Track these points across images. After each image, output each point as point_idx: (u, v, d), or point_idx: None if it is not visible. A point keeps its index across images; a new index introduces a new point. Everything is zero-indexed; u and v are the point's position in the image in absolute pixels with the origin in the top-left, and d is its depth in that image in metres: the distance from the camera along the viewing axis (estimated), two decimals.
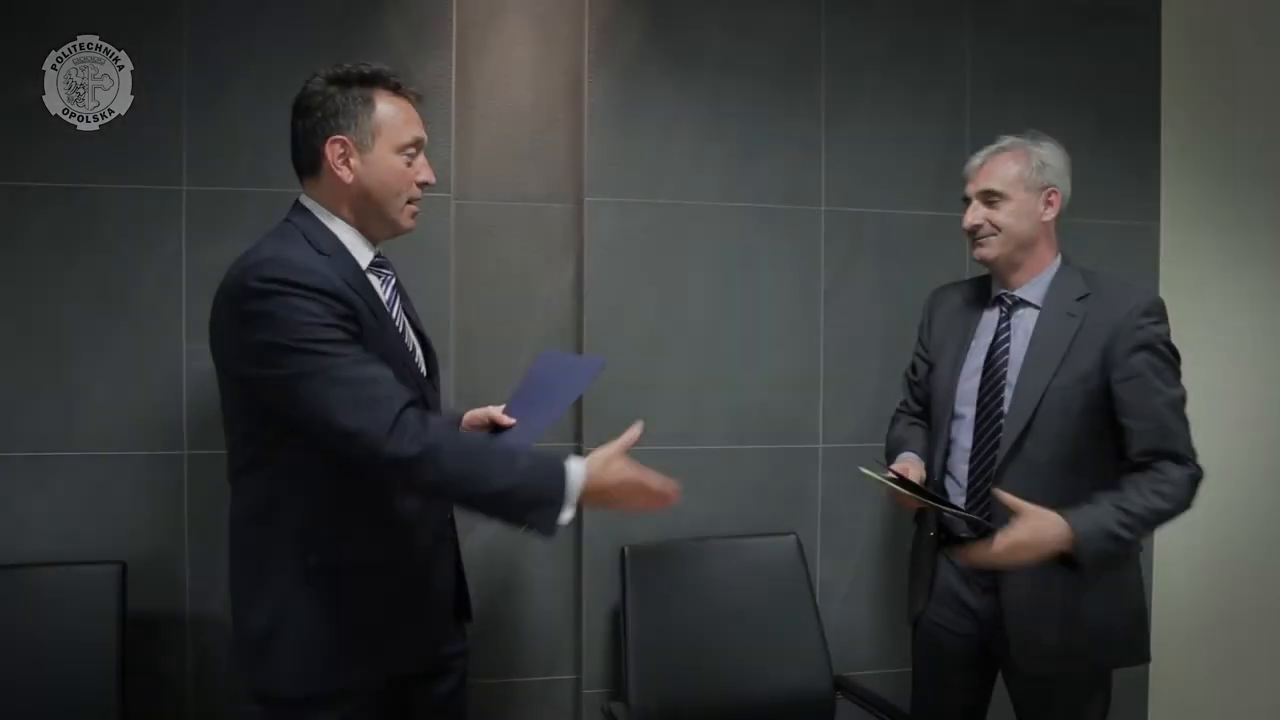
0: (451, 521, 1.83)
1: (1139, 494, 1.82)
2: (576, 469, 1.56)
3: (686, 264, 2.53)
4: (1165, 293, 2.75)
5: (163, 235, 2.30)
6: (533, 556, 2.51)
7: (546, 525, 1.53)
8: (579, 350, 2.50)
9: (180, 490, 2.32)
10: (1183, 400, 1.89)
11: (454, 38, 2.41)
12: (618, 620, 2.42)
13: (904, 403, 2.26)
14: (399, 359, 1.65)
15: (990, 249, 1.98)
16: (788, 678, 2.38)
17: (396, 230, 1.71)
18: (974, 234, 1.99)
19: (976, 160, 2.01)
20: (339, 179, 1.63)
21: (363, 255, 1.68)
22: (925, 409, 2.18)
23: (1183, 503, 1.85)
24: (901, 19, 2.62)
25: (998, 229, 1.96)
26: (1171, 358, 1.91)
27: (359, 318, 1.57)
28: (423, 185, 1.71)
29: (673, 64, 2.51)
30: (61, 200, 2.26)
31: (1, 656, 2.07)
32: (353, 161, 1.63)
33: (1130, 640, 1.99)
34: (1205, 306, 2.80)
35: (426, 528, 1.73)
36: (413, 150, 1.68)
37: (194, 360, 2.31)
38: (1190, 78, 2.77)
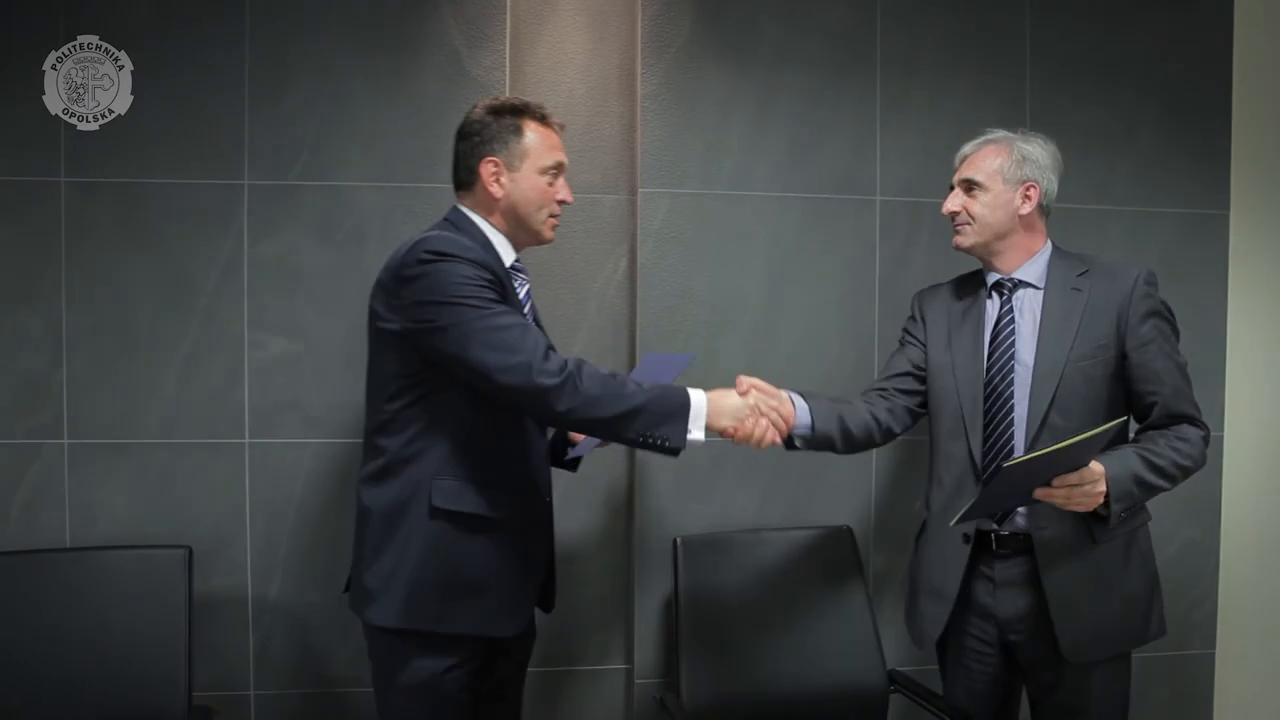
0: (550, 505, 1.99)
1: (1159, 446, 1.91)
2: (698, 392, 1.84)
3: (740, 255, 2.52)
4: (1235, 282, 2.70)
5: (225, 228, 2.36)
6: (586, 547, 2.52)
7: (678, 437, 1.79)
8: (632, 342, 2.51)
9: (242, 477, 2.38)
10: (1186, 364, 1.98)
11: (508, 31, 2.43)
12: (670, 611, 2.43)
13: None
14: None
15: (966, 238, 2.05)
16: (840, 670, 2.36)
17: (538, 239, 1.97)
18: (952, 220, 2.07)
19: (966, 149, 2.08)
20: (491, 193, 1.89)
21: (506, 256, 1.92)
22: (897, 387, 2.16)
23: (1198, 460, 1.94)
24: (959, 3, 2.57)
25: (973, 218, 2.03)
26: (1174, 324, 1.99)
27: (506, 291, 1.82)
28: (561, 203, 1.96)
29: (726, 54, 2.49)
30: (128, 194, 2.33)
31: (75, 635, 2.15)
32: (503, 179, 1.89)
33: (1150, 613, 2.02)
34: (1276, 295, 2.72)
35: (539, 500, 1.94)
36: (554, 172, 1.93)
37: (256, 350, 2.37)
38: (1264, 59, 2.68)
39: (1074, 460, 1.76)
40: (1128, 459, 1.86)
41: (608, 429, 1.80)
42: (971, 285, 2.12)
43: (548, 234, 1.96)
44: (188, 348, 2.36)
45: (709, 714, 2.23)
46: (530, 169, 1.89)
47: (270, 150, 2.37)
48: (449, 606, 1.80)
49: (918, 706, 2.29)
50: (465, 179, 1.93)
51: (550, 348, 1.78)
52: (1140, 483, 1.86)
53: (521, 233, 1.94)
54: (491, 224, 1.92)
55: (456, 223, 1.90)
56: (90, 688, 2.13)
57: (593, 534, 2.54)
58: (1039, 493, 1.79)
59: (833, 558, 2.46)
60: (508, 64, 2.43)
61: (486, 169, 1.88)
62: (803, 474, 2.54)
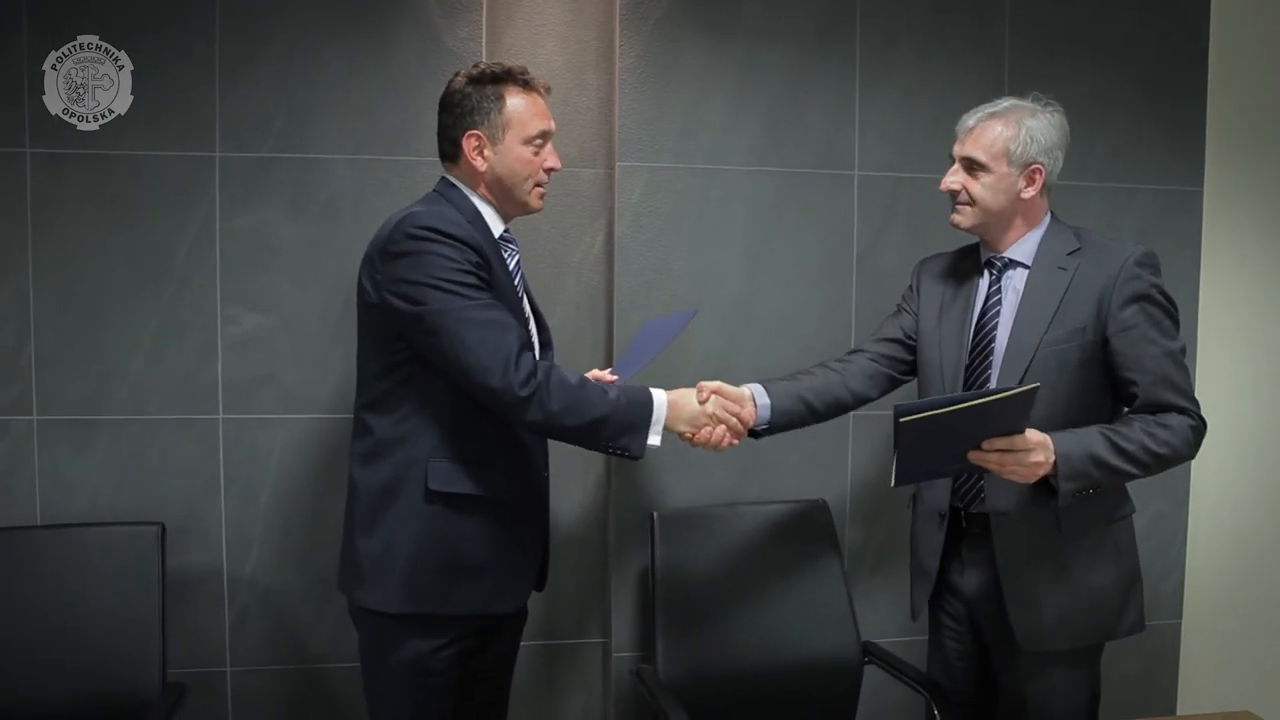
0: (546, 481, 1.98)
1: (1132, 429, 1.82)
2: (660, 397, 1.86)
3: (718, 229, 2.51)
4: (1208, 259, 2.73)
5: (197, 200, 2.32)
6: (564, 522, 2.52)
7: (638, 447, 1.82)
8: (610, 316, 2.50)
9: (216, 453, 2.36)
10: (1182, 351, 1.88)
11: (484, 1, 2.39)
12: (647, 585, 2.44)
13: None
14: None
15: (964, 218, 1.96)
16: (815, 643, 2.39)
17: (526, 209, 1.94)
18: (952, 198, 1.97)
19: (969, 120, 1.95)
20: (475, 167, 1.86)
21: (495, 228, 1.90)
22: (882, 352, 2.15)
23: (1179, 450, 1.84)
24: None
25: (973, 199, 1.93)
26: (1169, 308, 1.89)
27: (491, 270, 1.79)
28: (549, 171, 1.92)
29: (706, 27, 2.47)
30: (97, 167, 2.28)
31: (47, 614, 2.13)
32: (486, 152, 1.86)
33: (1124, 609, 1.95)
34: (1249, 273, 2.75)
35: (534, 477, 1.93)
36: (540, 141, 1.88)
37: (229, 325, 2.34)
38: (1240, 37, 2.70)
39: (996, 423, 1.70)
40: (1088, 437, 1.79)
41: (571, 439, 1.84)
42: (969, 260, 2.07)
43: (536, 204, 1.93)
44: (159, 323, 2.33)
45: (685, 687, 2.25)
46: (514, 140, 1.85)
47: (242, 122, 2.32)
48: (449, 589, 1.80)
49: (891, 678, 2.32)
50: (449, 152, 1.89)
51: (525, 347, 1.77)
52: (1099, 463, 1.78)
53: (509, 204, 1.91)
54: (479, 195, 1.89)
55: (445, 194, 1.88)
56: (63, 666, 2.11)
57: (570, 509, 2.54)
58: (972, 455, 1.73)
59: (808, 532, 2.48)
60: (484, 35, 2.39)
61: (469, 143, 1.85)
62: (779, 449, 2.53)
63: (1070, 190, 2.58)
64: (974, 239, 2.06)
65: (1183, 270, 2.69)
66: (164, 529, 2.22)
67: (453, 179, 1.90)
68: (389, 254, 1.75)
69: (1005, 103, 1.95)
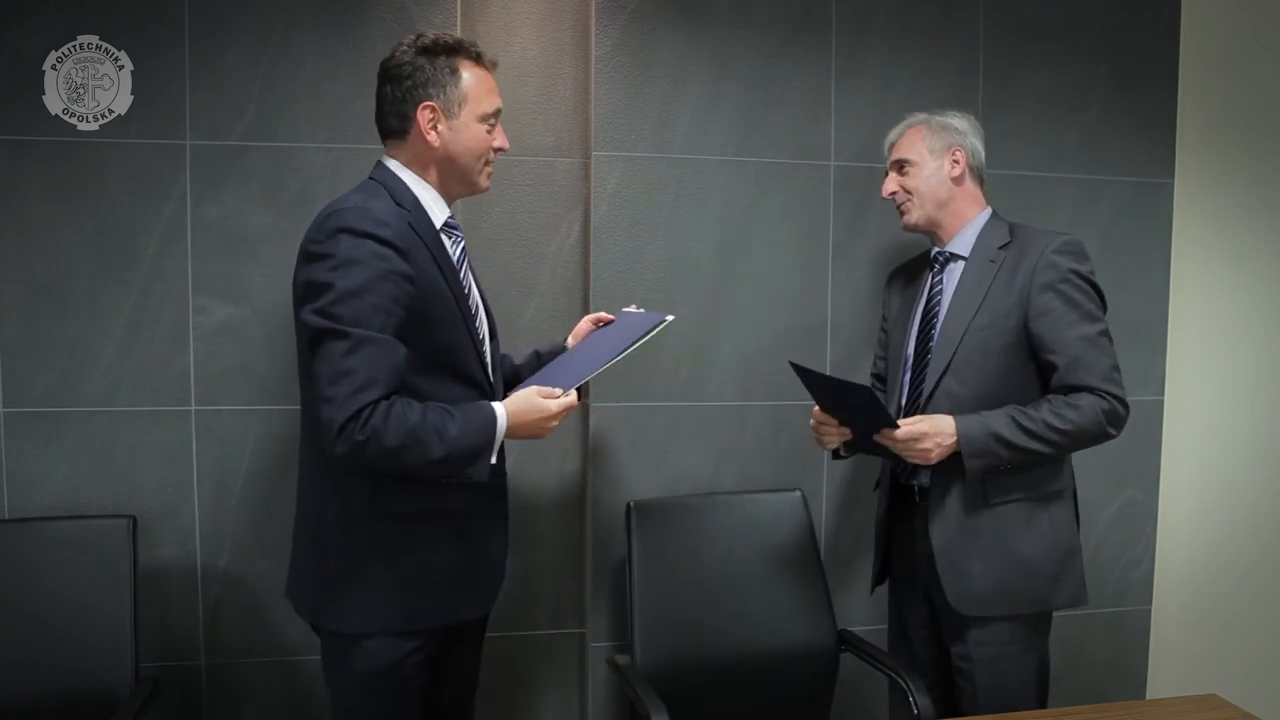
0: (503, 475, 1.90)
1: (1039, 409, 1.94)
2: (500, 414, 1.71)
3: (695, 219, 2.51)
4: (1178, 250, 2.75)
5: (167, 189, 2.29)
6: (540, 512, 2.52)
7: (480, 473, 1.69)
8: (585, 306, 2.49)
9: (189, 445, 2.33)
10: (1101, 334, 1.96)
11: None
12: (624, 575, 2.44)
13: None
14: (459, 319, 1.75)
15: (911, 215, 2.13)
16: (792, 632, 2.40)
17: (474, 190, 1.84)
18: (894, 201, 2.15)
19: (891, 136, 2.17)
20: (427, 143, 1.75)
21: (437, 215, 1.78)
22: (883, 378, 2.32)
23: (1086, 429, 1.92)
24: None
25: (910, 194, 2.11)
26: (1088, 290, 1.98)
27: (415, 279, 1.66)
28: (498, 151, 1.83)
29: (680, 17, 2.46)
30: (65, 155, 2.25)
31: (15, 609, 2.10)
32: (440, 127, 1.75)
33: (1059, 581, 2.02)
34: (1219, 263, 2.78)
35: (489, 484, 1.78)
36: (493, 119, 1.80)
37: (200, 315, 2.31)
38: (1210, 28, 2.72)
39: (859, 408, 1.96)
40: (992, 418, 1.92)
41: (415, 474, 1.67)
42: (923, 260, 2.21)
43: (485, 184, 1.83)
44: (128, 313, 2.29)
45: (662, 676, 2.25)
46: (470, 116, 1.75)
47: (212, 110, 2.29)
48: (410, 605, 1.73)
49: (868, 666, 2.33)
50: (397, 126, 1.76)
51: (394, 392, 1.61)
52: (1002, 441, 1.90)
53: (456, 185, 1.81)
54: (424, 179, 1.78)
55: (384, 182, 1.75)
56: (33, 662, 2.08)
57: (547, 499, 2.53)
58: (877, 438, 1.95)
59: (785, 522, 2.49)
60: (459, 23, 2.37)
61: (423, 115, 1.72)
62: (756, 438, 2.56)
63: (1042, 181, 2.61)
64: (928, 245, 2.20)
65: (1153, 260, 2.72)
66: (135, 522, 2.19)
67: (394, 164, 1.78)
68: (308, 252, 1.64)
69: (919, 115, 2.15)
